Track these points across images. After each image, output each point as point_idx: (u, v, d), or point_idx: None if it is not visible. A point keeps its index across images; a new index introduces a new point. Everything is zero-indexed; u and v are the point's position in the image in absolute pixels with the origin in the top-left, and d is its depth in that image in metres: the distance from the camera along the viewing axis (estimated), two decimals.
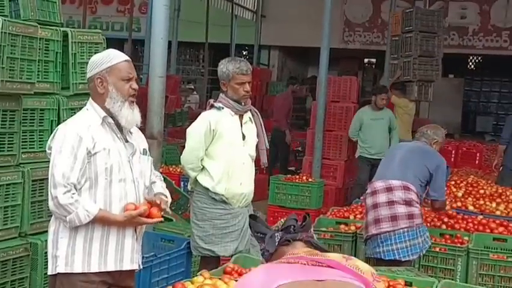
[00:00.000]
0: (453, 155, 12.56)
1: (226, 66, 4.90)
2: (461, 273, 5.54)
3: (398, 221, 5.36)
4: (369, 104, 9.95)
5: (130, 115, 3.48)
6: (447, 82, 22.30)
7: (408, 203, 5.36)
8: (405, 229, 5.35)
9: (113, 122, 3.48)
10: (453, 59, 22.91)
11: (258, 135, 5.14)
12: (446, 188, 5.77)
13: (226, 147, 4.90)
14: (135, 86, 3.51)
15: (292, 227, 2.68)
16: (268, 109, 15.93)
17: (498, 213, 7.12)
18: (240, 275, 4.35)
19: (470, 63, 25.45)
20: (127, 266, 3.50)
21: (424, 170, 5.48)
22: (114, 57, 3.49)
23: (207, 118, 4.90)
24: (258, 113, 5.19)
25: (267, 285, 2.37)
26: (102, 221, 3.36)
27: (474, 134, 21.12)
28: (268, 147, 5.27)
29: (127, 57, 3.56)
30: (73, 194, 3.30)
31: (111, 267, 3.44)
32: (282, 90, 15.98)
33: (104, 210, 3.36)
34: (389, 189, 5.43)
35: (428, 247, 5.55)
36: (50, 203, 3.34)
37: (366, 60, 24.57)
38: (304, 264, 2.46)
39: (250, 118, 5.08)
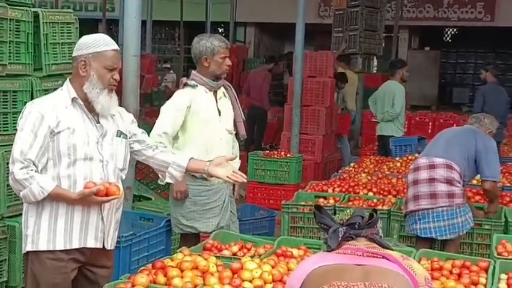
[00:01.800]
0: (430, 127, 12.64)
1: (210, 42, 4.92)
2: (440, 242, 5.59)
3: (437, 199, 5.32)
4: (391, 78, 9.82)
5: (107, 102, 3.48)
6: (423, 54, 22.40)
7: (449, 181, 5.32)
8: (444, 208, 5.31)
9: (82, 103, 3.48)
10: (429, 31, 23.01)
11: (233, 109, 5.14)
12: (499, 169, 5.61)
13: (202, 124, 4.90)
14: (117, 76, 3.51)
15: (357, 223, 2.66)
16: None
17: (474, 182, 7.19)
18: (220, 250, 4.37)
19: (446, 35, 25.55)
20: (91, 244, 3.52)
21: (471, 149, 5.41)
22: (104, 43, 3.48)
23: (182, 96, 4.89)
24: (231, 87, 5.20)
25: (312, 265, 2.44)
26: (57, 197, 3.39)
27: (451, 106, 21.27)
28: (244, 119, 5.28)
29: (117, 47, 3.54)
30: (30, 170, 3.33)
31: (75, 244, 3.47)
32: (259, 67, 15.95)
33: (60, 188, 3.39)
34: (432, 167, 5.40)
35: (470, 227, 5.49)
36: (10, 178, 3.40)
37: None
38: (360, 255, 2.47)
39: (224, 93, 5.09)
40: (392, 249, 2.63)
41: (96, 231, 3.52)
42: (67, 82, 3.53)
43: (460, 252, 5.45)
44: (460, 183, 5.38)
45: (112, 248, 3.66)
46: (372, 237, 2.61)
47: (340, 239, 2.60)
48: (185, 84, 4.94)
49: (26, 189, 3.32)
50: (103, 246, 3.58)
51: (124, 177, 3.69)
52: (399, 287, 2.31)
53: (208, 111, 4.92)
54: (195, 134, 4.90)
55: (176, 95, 4.95)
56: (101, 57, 3.44)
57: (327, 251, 2.61)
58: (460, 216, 5.35)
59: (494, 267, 4.00)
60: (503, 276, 3.93)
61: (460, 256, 4.42)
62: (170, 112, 4.87)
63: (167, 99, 5.07)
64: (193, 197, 4.96)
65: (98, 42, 3.47)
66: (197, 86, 4.92)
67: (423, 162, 5.47)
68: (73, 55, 3.53)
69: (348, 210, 2.79)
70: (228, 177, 3.81)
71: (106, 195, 3.40)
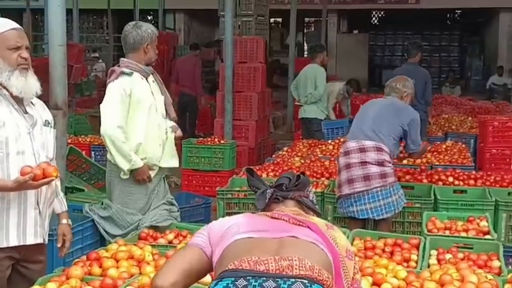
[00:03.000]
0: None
1: (149, 28, 4.96)
2: (372, 222, 5.70)
3: (371, 180, 5.39)
4: (313, 62, 9.95)
5: (22, 83, 3.34)
6: (352, 38, 22.74)
7: (380, 163, 5.40)
8: (379, 188, 5.39)
9: (8, 93, 3.36)
10: (357, 15, 23.32)
11: (162, 92, 5.13)
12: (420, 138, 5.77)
13: (145, 112, 4.86)
14: (25, 54, 3.37)
15: (284, 185, 2.65)
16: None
17: (405, 162, 7.34)
18: (155, 239, 4.36)
19: (374, 18, 25.95)
20: (30, 240, 3.43)
21: (397, 128, 5.51)
22: (0, 25, 3.35)
23: (121, 87, 4.81)
24: (155, 72, 5.20)
25: (234, 235, 2.45)
26: None
27: (381, 87, 21.53)
28: (171, 101, 5.27)
29: (16, 25, 3.41)
30: None
31: (13, 242, 3.37)
32: (187, 54, 15.88)
33: None
34: (362, 150, 5.46)
35: (404, 204, 5.61)
36: None
37: (272, 19, 24.65)
38: (286, 221, 2.48)
39: (153, 80, 5.07)
40: (318, 214, 2.67)
41: (35, 226, 3.44)
42: None
43: (392, 231, 5.56)
44: (390, 163, 5.49)
45: (46, 241, 3.60)
46: (299, 200, 2.64)
47: (267, 200, 2.63)
48: (122, 73, 4.86)
49: None
50: (43, 240, 3.51)
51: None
52: (311, 259, 2.32)
53: (147, 98, 4.89)
54: (139, 123, 4.85)
55: (114, 87, 4.84)
56: (1, 39, 3.31)
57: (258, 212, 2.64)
58: (394, 194, 5.48)
59: (424, 244, 4.11)
60: (433, 252, 4.05)
61: (392, 235, 4.51)
62: (117, 105, 4.78)
63: (98, 88, 5.05)
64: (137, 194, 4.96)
65: None
66: (133, 73, 4.87)
67: (353, 146, 5.54)
68: None
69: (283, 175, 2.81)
70: None
71: (44, 177, 3.31)
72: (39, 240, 3.48)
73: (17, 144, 3.34)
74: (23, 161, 3.34)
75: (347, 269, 2.42)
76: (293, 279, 2.23)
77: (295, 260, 2.29)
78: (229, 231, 2.48)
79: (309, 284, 2.23)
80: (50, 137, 3.55)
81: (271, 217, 2.53)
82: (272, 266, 2.28)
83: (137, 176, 4.86)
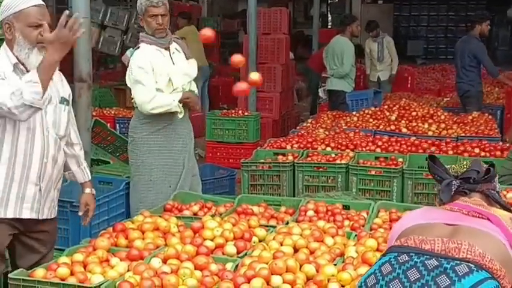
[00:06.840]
0: None
1: (140, 1, 4.95)
2: (397, 193, 5.67)
3: None
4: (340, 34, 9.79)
5: (39, 62, 3.28)
6: (377, 8, 22.47)
7: None
8: None
9: (25, 69, 3.36)
10: None
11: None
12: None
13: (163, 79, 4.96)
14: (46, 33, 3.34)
15: (472, 178, 2.51)
16: None
17: (430, 133, 7.31)
18: (180, 211, 4.38)
19: None
20: (26, 214, 3.45)
21: None
22: (22, 1, 3.31)
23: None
24: (182, 44, 5.24)
25: (409, 222, 2.43)
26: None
27: (405, 58, 21.38)
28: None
29: (38, 2, 3.36)
30: None
31: (10, 214, 3.41)
32: (212, 25, 15.86)
33: None
34: None
35: None
36: None
37: None
38: (465, 214, 2.38)
39: (176, 49, 5.09)
40: (505, 207, 2.49)
41: (33, 202, 3.45)
42: (5, 46, 3.39)
43: (417, 203, 5.53)
44: None
45: (50, 217, 3.59)
46: (487, 193, 2.50)
47: (453, 192, 2.51)
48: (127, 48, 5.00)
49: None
50: (37, 216, 3.50)
51: (62, 145, 3.60)
52: (483, 248, 2.21)
53: (159, 69, 4.93)
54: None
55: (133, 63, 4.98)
56: (22, 16, 3.30)
57: (439, 204, 2.54)
58: None
59: None
60: None
61: (417, 206, 4.49)
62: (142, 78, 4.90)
63: (123, 62, 5.08)
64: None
65: (17, 1, 3.31)
66: (139, 47, 4.98)
67: None
68: None
69: (465, 162, 2.61)
70: None
71: None
72: (34, 216, 3.48)
73: (27, 121, 3.32)
74: (32, 138, 3.37)
75: None
76: (458, 261, 2.16)
77: (464, 245, 2.20)
78: (402, 223, 2.47)
79: (475, 269, 2.14)
80: (64, 114, 3.54)
81: (450, 209, 2.43)
82: (438, 246, 2.22)
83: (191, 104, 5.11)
